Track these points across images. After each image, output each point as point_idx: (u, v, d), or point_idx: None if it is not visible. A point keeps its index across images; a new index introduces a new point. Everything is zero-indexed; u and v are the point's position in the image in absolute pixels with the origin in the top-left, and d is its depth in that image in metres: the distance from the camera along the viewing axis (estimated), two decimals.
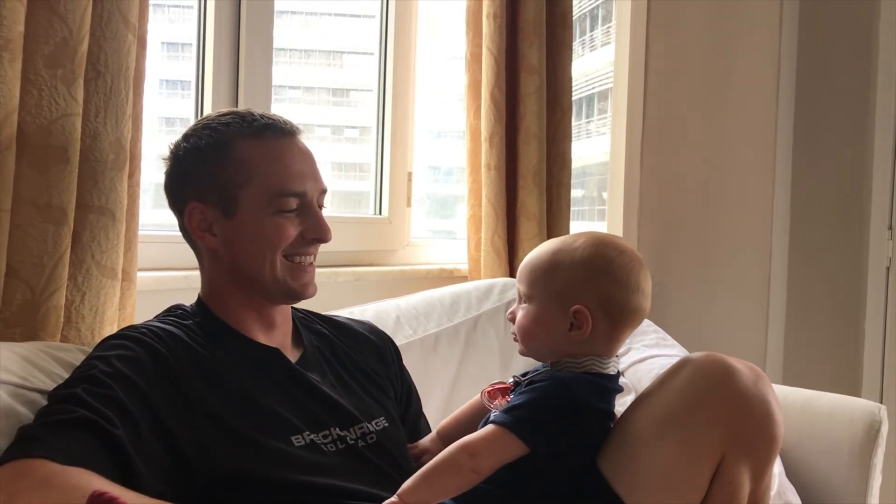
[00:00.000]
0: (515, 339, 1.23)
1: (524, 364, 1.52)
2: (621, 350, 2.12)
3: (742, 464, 1.10)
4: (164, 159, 1.29)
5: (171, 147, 1.28)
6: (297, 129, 1.29)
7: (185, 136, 1.27)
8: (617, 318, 1.17)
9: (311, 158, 1.29)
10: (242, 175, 1.22)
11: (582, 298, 1.15)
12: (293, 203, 1.24)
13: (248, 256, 1.23)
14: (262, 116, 1.26)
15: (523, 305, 1.21)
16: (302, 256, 1.26)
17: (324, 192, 1.30)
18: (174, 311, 1.29)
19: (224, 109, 1.31)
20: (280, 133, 1.26)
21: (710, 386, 1.12)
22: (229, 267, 1.25)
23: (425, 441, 1.38)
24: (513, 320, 1.23)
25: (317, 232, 1.26)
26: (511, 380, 1.21)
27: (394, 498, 1.05)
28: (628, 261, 1.17)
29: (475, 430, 1.33)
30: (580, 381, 1.14)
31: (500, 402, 1.17)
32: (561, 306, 1.16)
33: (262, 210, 1.22)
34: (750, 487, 1.11)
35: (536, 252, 1.22)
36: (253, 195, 1.22)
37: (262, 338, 1.28)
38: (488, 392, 1.20)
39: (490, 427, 1.10)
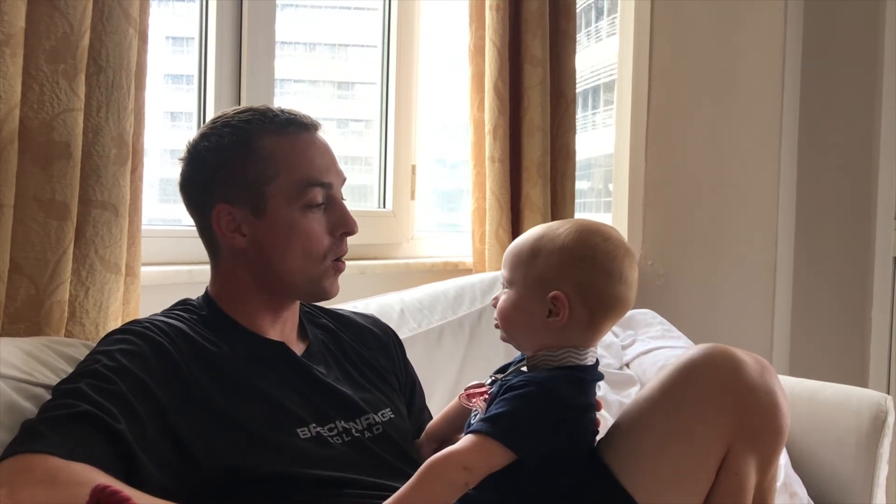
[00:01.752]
0: (497, 326, 1.20)
1: None
2: (626, 342, 2.12)
3: (748, 455, 1.09)
4: (179, 159, 1.27)
5: (188, 146, 1.26)
6: (318, 123, 1.29)
7: (204, 135, 1.25)
8: (596, 306, 1.13)
9: (332, 152, 1.29)
10: (269, 171, 1.21)
11: (561, 285, 1.13)
12: (320, 196, 1.24)
13: (280, 256, 1.23)
14: (282, 112, 1.26)
15: (505, 291, 1.19)
16: (339, 258, 1.27)
17: (344, 181, 1.30)
18: (179, 306, 1.29)
19: (240, 107, 1.29)
20: (303, 127, 1.26)
21: (717, 378, 1.11)
22: (257, 266, 1.24)
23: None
24: (496, 306, 1.20)
25: (345, 225, 1.26)
26: (489, 380, 1.19)
27: None
28: (612, 248, 1.14)
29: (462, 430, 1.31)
30: (558, 380, 1.11)
31: (479, 402, 1.15)
32: (540, 292, 1.14)
33: (290, 205, 1.22)
34: (756, 479, 1.11)
35: (521, 238, 1.20)
36: (281, 190, 1.21)
37: (269, 333, 1.27)
38: (467, 394, 1.18)
39: (474, 437, 1.06)
